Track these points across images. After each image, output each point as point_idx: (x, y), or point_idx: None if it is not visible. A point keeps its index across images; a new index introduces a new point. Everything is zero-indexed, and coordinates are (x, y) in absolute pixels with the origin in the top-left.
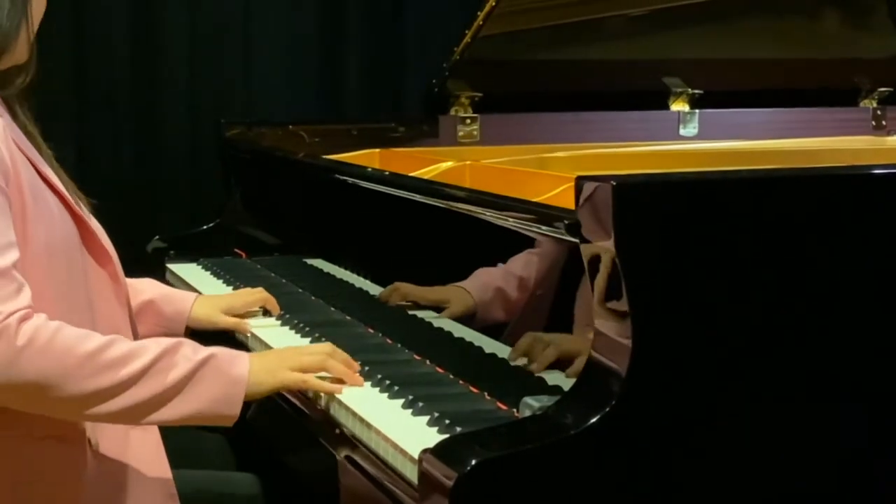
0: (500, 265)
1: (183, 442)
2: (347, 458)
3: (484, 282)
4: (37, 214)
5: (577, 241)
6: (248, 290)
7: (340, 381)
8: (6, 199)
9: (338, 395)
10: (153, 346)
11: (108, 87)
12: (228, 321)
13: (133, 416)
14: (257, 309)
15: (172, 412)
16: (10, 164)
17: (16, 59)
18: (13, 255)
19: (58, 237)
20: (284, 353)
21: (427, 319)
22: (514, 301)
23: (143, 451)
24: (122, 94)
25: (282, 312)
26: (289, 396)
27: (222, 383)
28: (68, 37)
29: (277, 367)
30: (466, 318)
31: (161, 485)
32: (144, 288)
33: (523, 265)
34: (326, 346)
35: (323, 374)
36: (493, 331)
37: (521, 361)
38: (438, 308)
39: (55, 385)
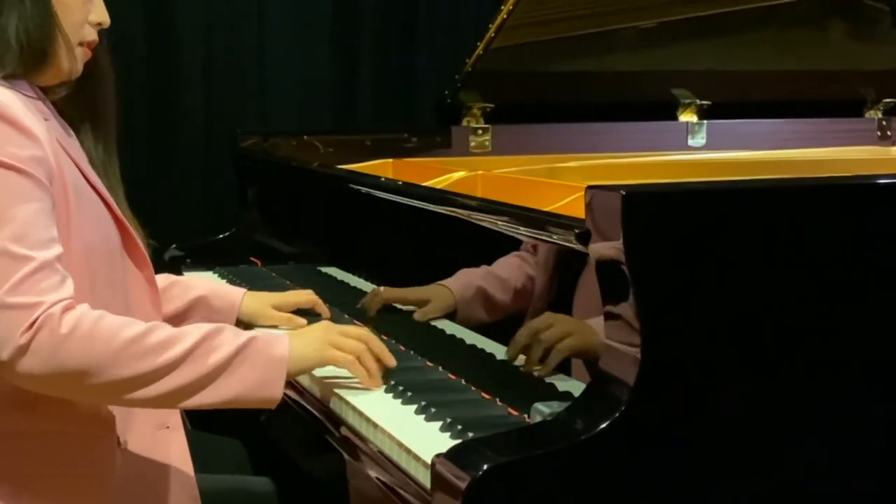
0: (484, 266)
1: (200, 446)
2: (360, 461)
3: (465, 280)
4: (80, 214)
5: (586, 249)
6: (298, 291)
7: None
8: (49, 197)
9: (351, 401)
10: (194, 331)
11: (125, 99)
12: (280, 316)
13: (175, 399)
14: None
15: (214, 395)
16: (53, 164)
17: (65, 72)
18: (56, 249)
19: (99, 238)
20: (326, 332)
21: (440, 327)
22: (498, 301)
23: (170, 451)
24: (139, 106)
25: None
26: (303, 402)
27: (263, 365)
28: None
29: (321, 345)
30: (466, 320)
31: (186, 486)
32: (195, 284)
33: (507, 267)
34: (364, 333)
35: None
36: (505, 337)
37: (521, 359)
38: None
39: (97, 371)
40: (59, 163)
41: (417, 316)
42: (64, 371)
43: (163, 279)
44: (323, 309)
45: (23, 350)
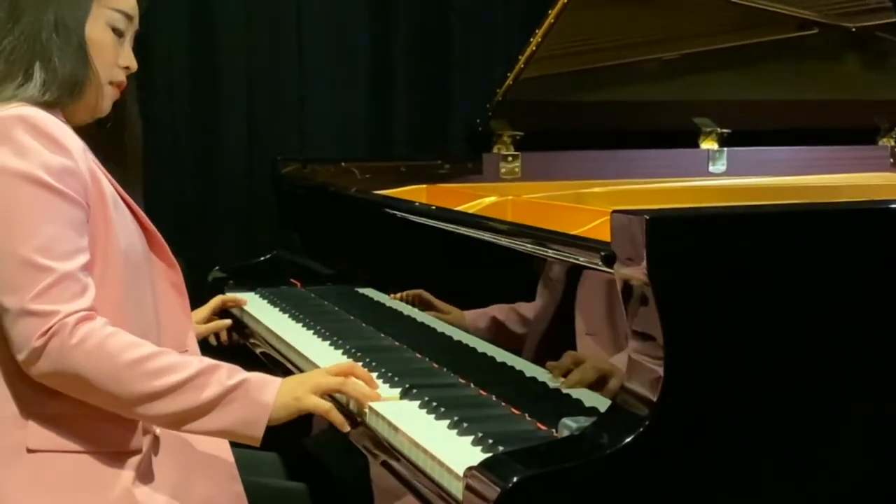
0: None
1: (240, 460)
2: (394, 473)
3: (484, 310)
4: (118, 223)
5: (612, 271)
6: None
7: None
8: (79, 208)
9: (386, 416)
10: (195, 363)
11: (171, 130)
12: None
13: (174, 422)
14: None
15: (204, 426)
16: (87, 176)
17: (91, 106)
18: (81, 260)
19: (132, 245)
20: (307, 378)
21: (471, 345)
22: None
23: (204, 438)
24: (184, 136)
25: (335, 338)
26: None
27: (249, 407)
28: (132, 80)
29: (301, 393)
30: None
31: (224, 465)
32: None
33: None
34: (345, 366)
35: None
36: (535, 355)
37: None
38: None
39: (97, 383)
40: (93, 173)
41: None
42: (66, 375)
43: None
44: (237, 300)
45: (36, 353)
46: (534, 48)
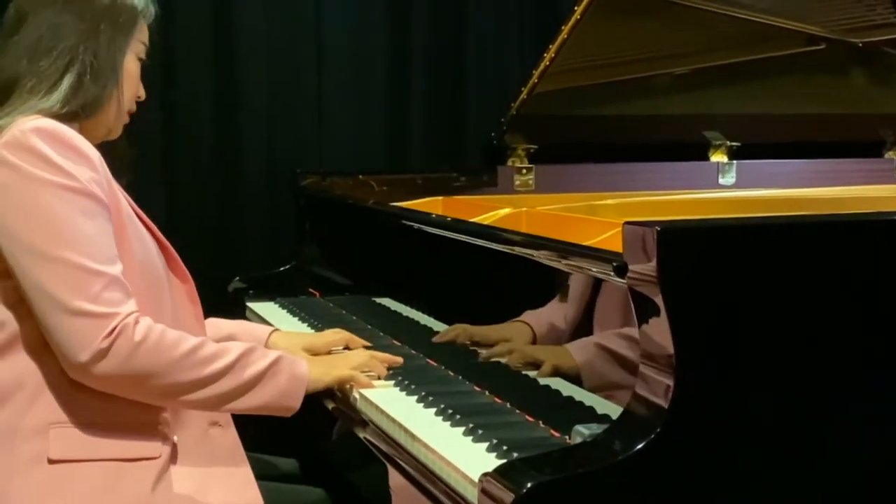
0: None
1: (259, 466)
2: (411, 479)
3: (538, 317)
4: (133, 236)
5: (623, 281)
6: (332, 331)
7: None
8: (108, 213)
9: (403, 423)
10: (234, 348)
11: (194, 144)
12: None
13: (218, 403)
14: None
15: (249, 402)
16: (107, 187)
17: (108, 127)
18: (120, 265)
19: (148, 258)
20: (335, 357)
21: (481, 356)
22: (563, 333)
23: (222, 446)
24: (206, 149)
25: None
26: (362, 428)
27: (287, 380)
28: (158, 97)
29: (331, 367)
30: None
31: (239, 474)
32: (224, 323)
33: (565, 304)
34: (368, 353)
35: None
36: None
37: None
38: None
39: (160, 376)
40: (111, 186)
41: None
42: (134, 374)
43: (210, 324)
44: (357, 343)
45: (102, 353)
46: (547, 63)
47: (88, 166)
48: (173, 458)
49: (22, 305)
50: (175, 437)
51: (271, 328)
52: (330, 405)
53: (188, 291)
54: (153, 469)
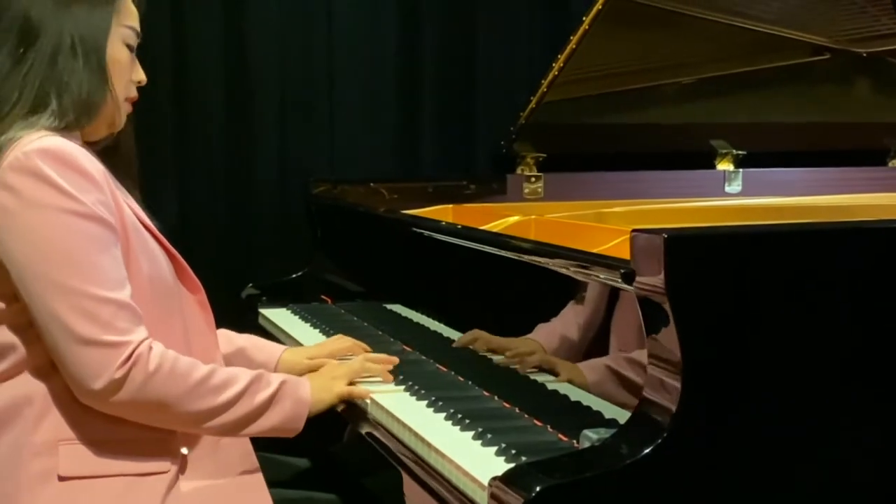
0: (555, 318)
1: (272, 467)
2: (420, 483)
3: (549, 331)
4: (139, 249)
5: (631, 288)
6: (335, 338)
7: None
8: (115, 235)
9: (413, 427)
10: (242, 373)
11: (206, 151)
12: (311, 364)
13: (231, 430)
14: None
15: (258, 427)
16: (113, 206)
17: (108, 122)
18: (129, 288)
19: (157, 270)
20: (330, 370)
21: (495, 360)
22: (574, 343)
23: (234, 457)
24: (218, 157)
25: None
26: (374, 433)
27: (293, 404)
28: (170, 103)
29: (330, 384)
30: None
31: (252, 484)
32: (238, 336)
33: (577, 312)
34: (361, 357)
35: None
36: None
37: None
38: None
39: (173, 405)
40: (117, 204)
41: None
42: (148, 402)
43: (223, 335)
44: (359, 350)
45: (118, 383)
46: (556, 73)
47: (94, 187)
48: (183, 470)
49: (31, 329)
50: (185, 450)
51: (283, 347)
52: (340, 408)
53: (199, 300)
54: (163, 483)
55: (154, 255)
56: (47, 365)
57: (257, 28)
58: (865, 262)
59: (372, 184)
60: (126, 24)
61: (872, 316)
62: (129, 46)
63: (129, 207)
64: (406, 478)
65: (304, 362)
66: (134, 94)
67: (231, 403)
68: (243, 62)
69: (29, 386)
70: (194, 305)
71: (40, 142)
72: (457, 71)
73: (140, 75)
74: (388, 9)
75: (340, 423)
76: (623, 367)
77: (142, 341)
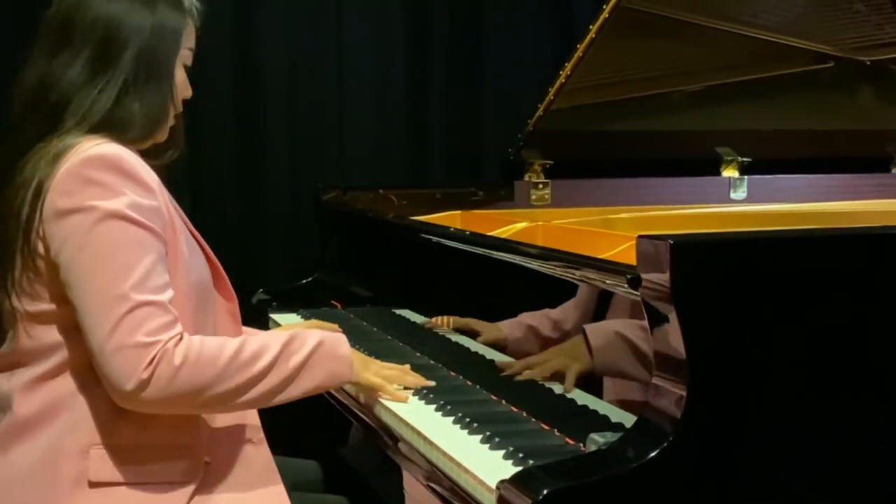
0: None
1: (281, 468)
2: (429, 486)
3: (517, 319)
4: (189, 259)
5: (637, 293)
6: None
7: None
8: (164, 245)
9: (422, 431)
10: (274, 339)
11: (217, 157)
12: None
13: (269, 398)
14: None
15: (299, 389)
16: (166, 213)
17: (158, 139)
18: (169, 293)
19: (199, 277)
20: (372, 361)
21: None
22: (545, 339)
23: (256, 464)
24: (229, 163)
25: (374, 357)
26: (382, 434)
27: (332, 361)
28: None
29: (367, 368)
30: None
31: (274, 494)
32: (255, 333)
33: (560, 310)
34: (405, 367)
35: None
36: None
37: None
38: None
39: (207, 389)
40: (169, 210)
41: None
42: (179, 395)
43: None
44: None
45: (145, 383)
46: (563, 81)
47: (148, 194)
48: (208, 479)
49: (76, 331)
50: (208, 458)
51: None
52: (348, 410)
53: (231, 310)
54: (188, 492)
55: (198, 261)
56: (87, 368)
57: (267, 35)
58: (870, 267)
59: (381, 190)
60: (188, 47)
61: (877, 321)
62: (186, 67)
63: (180, 216)
64: (406, 477)
65: None
66: (180, 108)
67: (266, 372)
68: (253, 70)
69: (68, 388)
70: (225, 315)
71: (98, 148)
72: (465, 80)
73: (188, 91)
74: (397, 17)
75: (346, 425)
76: (631, 333)
77: (169, 339)
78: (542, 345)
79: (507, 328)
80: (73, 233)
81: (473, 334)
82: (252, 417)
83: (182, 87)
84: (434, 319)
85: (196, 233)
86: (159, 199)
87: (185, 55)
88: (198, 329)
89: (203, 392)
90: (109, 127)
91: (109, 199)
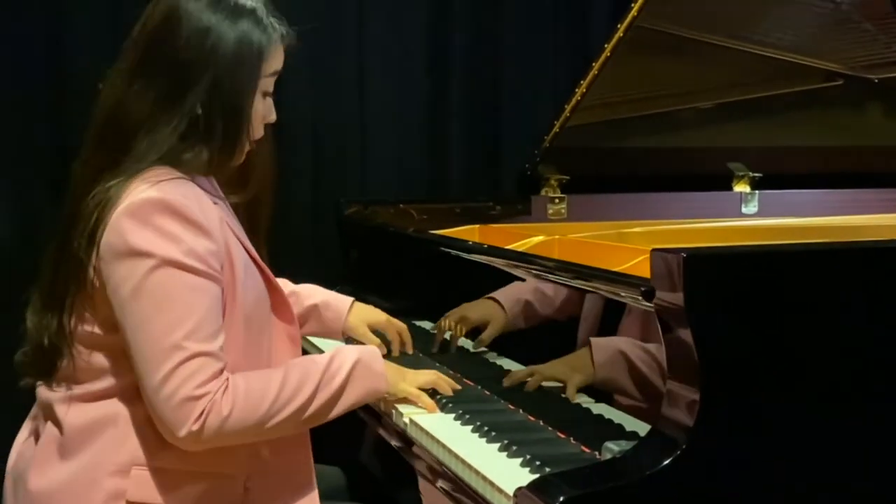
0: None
1: None
2: (447, 493)
3: (514, 294)
4: (246, 286)
5: (651, 305)
6: (394, 320)
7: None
8: (219, 286)
9: (441, 439)
10: (314, 365)
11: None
12: (370, 339)
13: (318, 418)
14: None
15: (341, 407)
16: (224, 252)
17: (231, 163)
18: (221, 338)
19: (256, 302)
20: (406, 371)
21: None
22: (540, 314)
23: (296, 486)
24: None
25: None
26: (397, 440)
27: (370, 378)
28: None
29: (403, 378)
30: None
31: None
32: (310, 293)
33: (554, 288)
34: (435, 372)
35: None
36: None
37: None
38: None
39: (258, 426)
40: (228, 246)
41: (477, 345)
42: (231, 436)
43: (283, 285)
44: (407, 339)
45: (196, 434)
46: (579, 98)
47: (204, 237)
48: (246, 501)
49: (125, 359)
50: (249, 484)
51: (351, 301)
52: (367, 418)
53: (290, 333)
54: None
55: (257, 287)
56: (135, 392)
57: (291, 55)
58: (879, 280)
59: (401, 205)
60: (270, 73)
61: (888, 334)
62: (266, 93)
63: (241, 243)
64: (423, 484)
65: (363, 330)
66: (261, 133)
67: (312, 399)
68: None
69: (116, 408)
70: (283, 337)
71: (156, 189)
72: (484, 98)
73: (272, 116)
74: (417, 34)
75: (361, 432)
76: (636, 356)
77: (217, 390)
78: (535, 322)
79: (507, 306)
80: (128, 278)
81: (477, 329)
82: (301, 437)
83: (260, 117)
84: (439, 322)
85: (256, 256)
86: (219, 240)
87: (265, 84)
88: (249, 353)
89: (250, 431)
90: (177, 162)
91: (166, 245)
